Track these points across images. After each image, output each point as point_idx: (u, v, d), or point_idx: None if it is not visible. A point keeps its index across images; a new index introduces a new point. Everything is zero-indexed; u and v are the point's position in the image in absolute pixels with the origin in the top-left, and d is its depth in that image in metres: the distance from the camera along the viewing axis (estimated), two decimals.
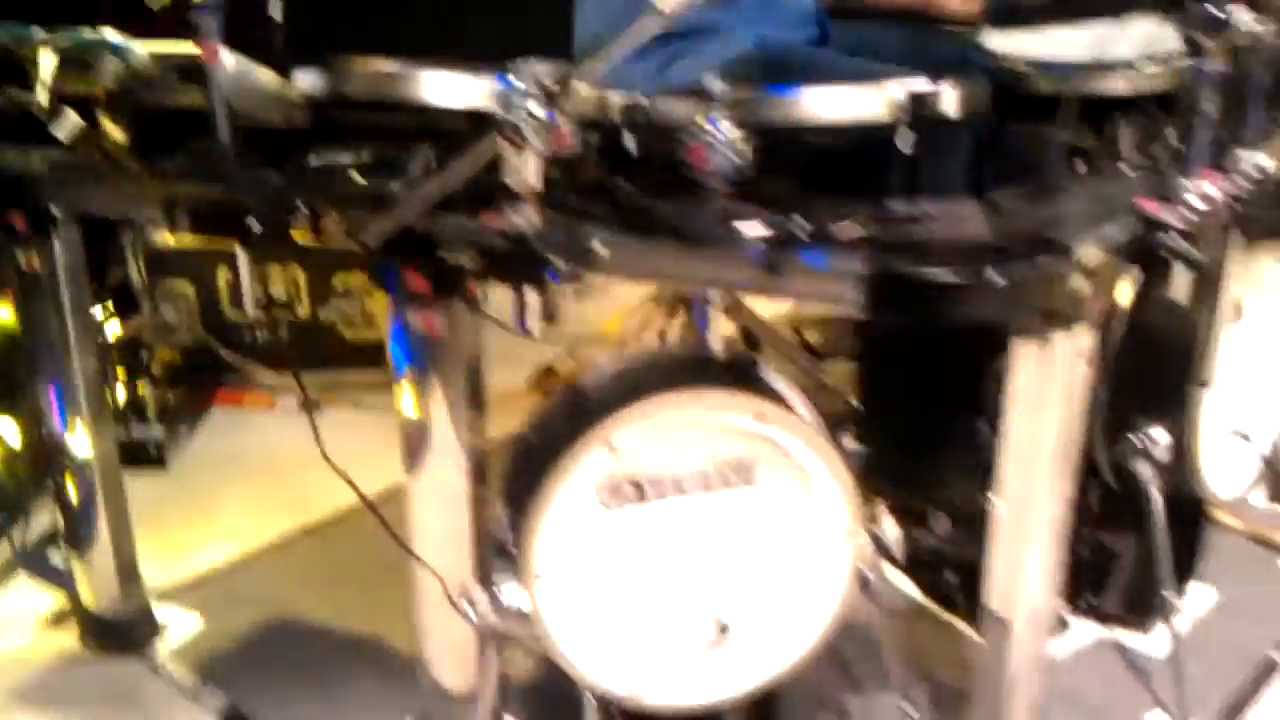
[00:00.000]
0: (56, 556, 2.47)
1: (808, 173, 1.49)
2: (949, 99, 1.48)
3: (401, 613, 1.81)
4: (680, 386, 1.57)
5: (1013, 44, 1.72)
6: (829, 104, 1.50)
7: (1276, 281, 2.04)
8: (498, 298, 1.56)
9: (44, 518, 2.57)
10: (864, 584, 1.64)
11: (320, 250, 2.60)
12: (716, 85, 1.43)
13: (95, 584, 2.28)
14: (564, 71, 1.34)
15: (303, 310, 3.18)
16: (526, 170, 1.38)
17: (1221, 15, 1.40)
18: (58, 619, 2.37)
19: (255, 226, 1.61)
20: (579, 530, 1.59)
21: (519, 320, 1.56)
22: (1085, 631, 2.20)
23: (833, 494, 1.60)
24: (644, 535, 1.60)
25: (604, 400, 1.58)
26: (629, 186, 1.49)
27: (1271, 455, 2.10)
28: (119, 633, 2.29)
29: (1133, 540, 2.03)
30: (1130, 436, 1.91)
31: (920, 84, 1.47)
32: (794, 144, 1.49)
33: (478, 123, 1.39)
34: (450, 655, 1.86)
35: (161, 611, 2.37)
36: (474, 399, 1.72)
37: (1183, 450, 1.89)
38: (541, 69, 1.34)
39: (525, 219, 1.41)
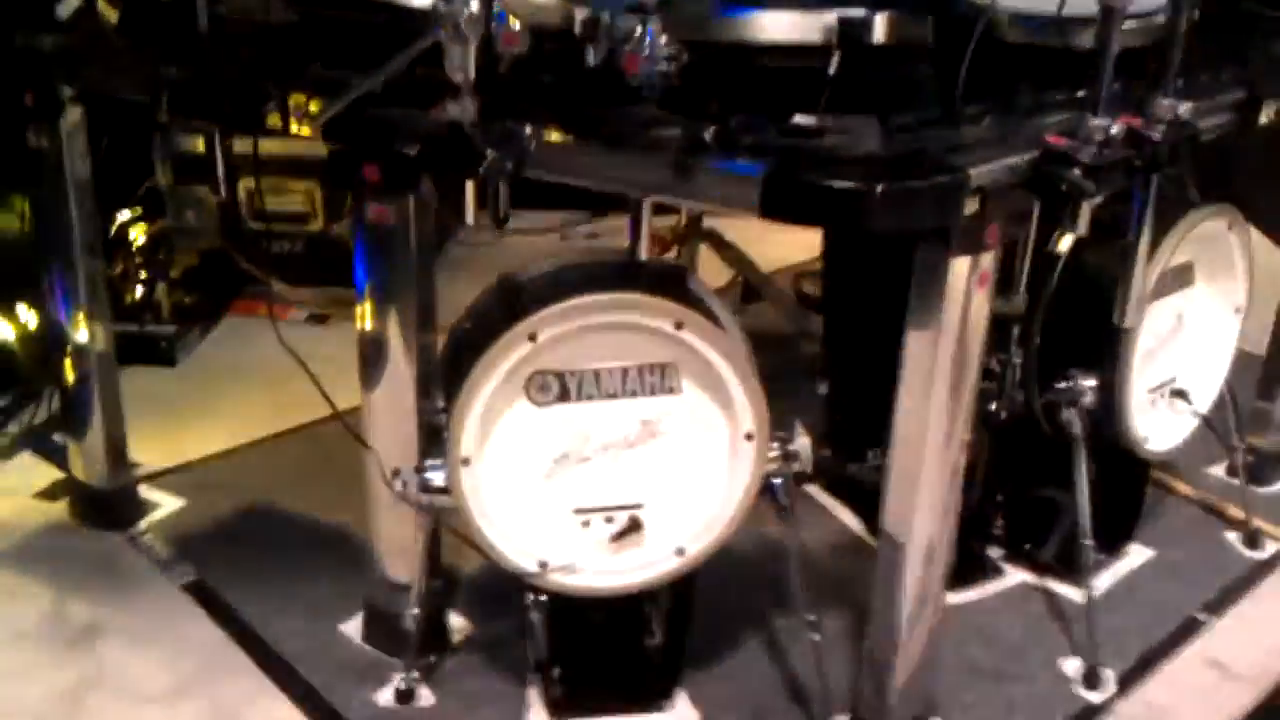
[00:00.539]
0: (59, 436, 2.60)
1: (742, 89, 1.55)
2: (879, 27, 1.53)
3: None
4: (608, 289, 1.64)
5: None
6: (769, 26, 1.56)
7: (1226, 248, 2.08)
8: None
9: (56, 401, 2.69)
10: (769, 490, 1.71)
11: None
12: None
13: (86, 462, 2.41)
14: None
15: (317, 225, 3.28)
16: (465, 64, 1.47)
17: None
18: (51, 492, 2.51)
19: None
20: (506, 420, 1.67)
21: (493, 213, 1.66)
22: (1017, 578, 2.26)
23: (742, 403, 1.67)
24: (565, 432, 1.69)
25: (534, 295, 1.66)
26: (566, 89, 1.56)
27: (1209, 415, 2.14)
28: (104, 508, 2.41)
29: (1072, 494, 2.08)
30: (1060, 384, 1.96)
31: (854, 12, 1.53)
32: (736, 62, 1.55)
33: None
34: (397, 548, 1.97)
35: (148, 493, 2.49)
36: (424, 293, 1.81)
37: (1110, 397, 1.93)
38: None
39: (462, 110, 1.50)
